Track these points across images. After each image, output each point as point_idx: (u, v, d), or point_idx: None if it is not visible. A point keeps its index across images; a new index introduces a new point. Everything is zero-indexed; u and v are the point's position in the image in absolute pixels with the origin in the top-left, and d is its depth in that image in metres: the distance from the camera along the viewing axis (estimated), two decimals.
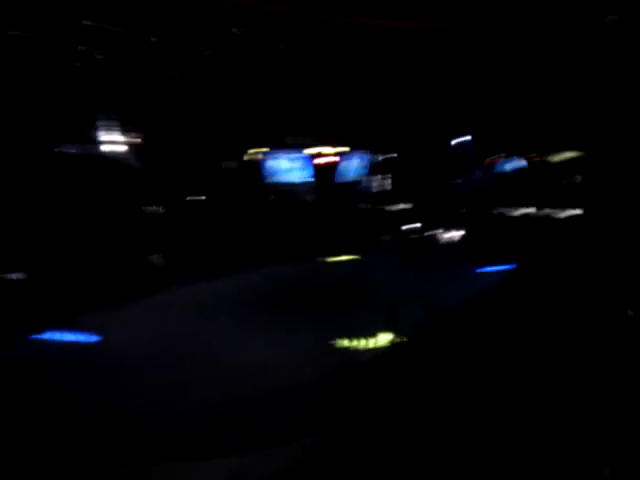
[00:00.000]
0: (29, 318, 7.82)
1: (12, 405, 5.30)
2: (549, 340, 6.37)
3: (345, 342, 7.50)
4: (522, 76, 14.15)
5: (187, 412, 5.58)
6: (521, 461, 4.23)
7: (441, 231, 14.57)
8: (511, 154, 18.13)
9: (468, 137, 18.11)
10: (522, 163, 17.96)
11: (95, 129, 13.44)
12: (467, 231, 14.42)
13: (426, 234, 14.74)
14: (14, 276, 9.19)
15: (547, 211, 15.78)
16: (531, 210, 15.85)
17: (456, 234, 14.42)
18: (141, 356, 7.09)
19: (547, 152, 17.47)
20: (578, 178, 16.12)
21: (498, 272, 10.38)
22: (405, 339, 6.90)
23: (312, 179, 15.87)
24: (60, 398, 5.54)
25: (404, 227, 15.04)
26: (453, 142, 18.07)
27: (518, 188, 16.64)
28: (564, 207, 15.42)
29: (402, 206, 16.21)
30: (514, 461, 4.22)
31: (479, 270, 11.01)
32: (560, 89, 13.98)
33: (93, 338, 7.76)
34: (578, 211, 15.08)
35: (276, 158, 15.96)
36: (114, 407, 5.71)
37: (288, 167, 15.92)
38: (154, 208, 13.07)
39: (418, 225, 15.00)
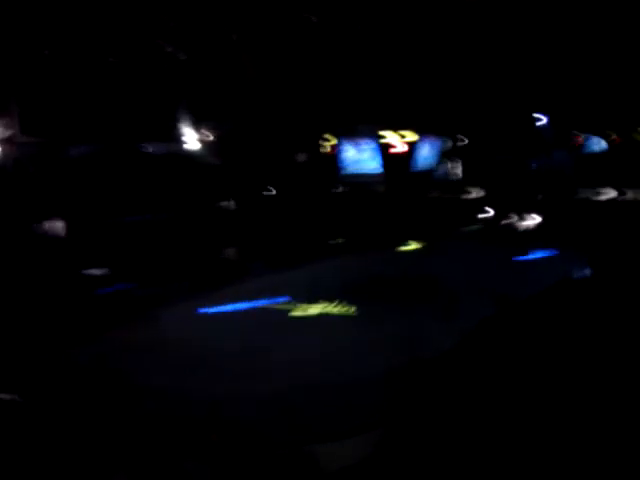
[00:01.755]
0: (111, 314, 8.25)
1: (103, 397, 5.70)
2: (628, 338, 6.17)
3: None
4: (598, 51, 13.38)
5: (263, 399, 5.82)
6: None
7: (516, 219, 14.15)
8: (588, 133, 17.17)
9: (544, 117, 17.35)
10: (601, 144, 17.01)
11: (172, 127, 13.99)
12: (544, 218, 13.91)
13: (500, 222, 14.37)
14: (97, 272, 9.70)
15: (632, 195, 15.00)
16: (613, 194, 15.10)
17: (532, 222, 13.96)
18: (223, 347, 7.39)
19: (629, 131, 16.46)
20: None
21: (574, 259, 10.08)
22: (474, 332, 6.88)
23: (382, 169, 15.74)
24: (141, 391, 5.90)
25: (478, 216, 14.72)
26: (528, 123, 17.37)
27: (599, 171, 15.82)
28: None
29: (475, 194, 15.82)
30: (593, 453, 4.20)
31: (552, 256, 10.69)
32: None
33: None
34: None
35: (346, 148, 15.95)
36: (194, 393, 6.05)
37: (358, 157, 15.87)
38: (228, 203, 13.46)
39: (491, 213, 14.64)
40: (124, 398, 5.65)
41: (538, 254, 11.21)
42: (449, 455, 4.50)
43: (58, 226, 11.35)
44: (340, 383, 6.04)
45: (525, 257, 11.24)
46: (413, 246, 12.50)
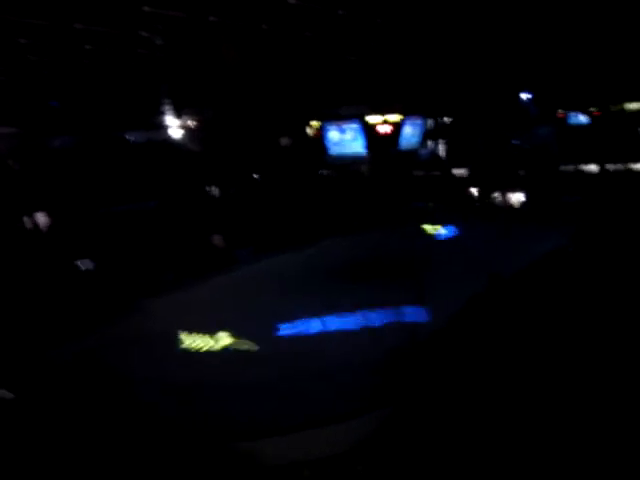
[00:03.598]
0: (99, 307, 8.19)
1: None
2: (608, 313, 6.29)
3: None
4: (579, 27, 13.42)
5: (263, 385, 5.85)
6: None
7: (500, 195, 14.25)
8: (570, 109, 17.33)
9: (528, 94, 17.44)
10: (583, 118, 17.18)
11: (155, 114, 13.83)
12: (528, 193, 14.03)
13: (485, 199, 14.48)
14: (83, 265, 9.58)
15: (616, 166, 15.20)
16: (595, 167, 15.28)
17: (516, 197, 14.07)
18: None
19: (610, 104, 16.61)
20: None
21: (558, 233, 10.20)
22: (463, 310, 6.97)
23: (367, 150, 15.74)
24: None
25: (463, 193, 14.82)
26: (511, 100, 17.44)
27: (583, 144, 15.98)
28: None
29: (459, 171, 15.91)
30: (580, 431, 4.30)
31: (538, 232, 10.79)
32: (622, 38, 13.21)
33: None
34: None
35: (331, 131, 15.92)
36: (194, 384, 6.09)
37: (343, 139, 15.86)
38: (213, 189, 13.36)
39: (476, 190, 14.74)
40: (113, 393, 5.67)
41: (520, 230, 11.31)
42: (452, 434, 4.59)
43: (40, 218, 11.22)
44: (331, 369, 6.05)
45: (508, 233, 11.33)
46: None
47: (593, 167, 15.56)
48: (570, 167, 15.79)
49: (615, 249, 8.27)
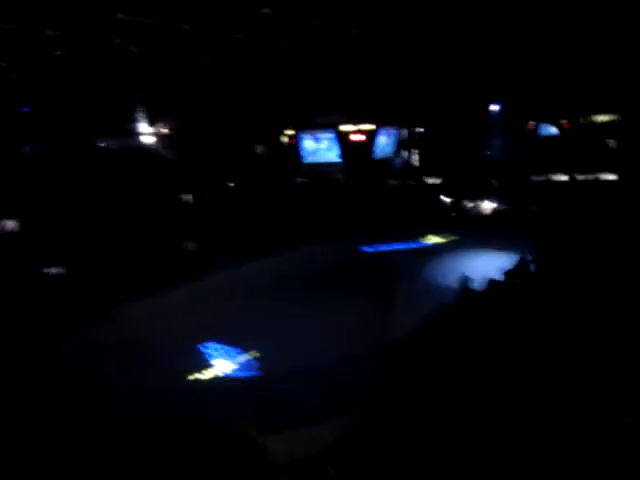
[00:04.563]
0: (71, 312, 8.09)
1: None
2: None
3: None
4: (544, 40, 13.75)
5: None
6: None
7: (472, 204, 14.46)
8: (540, 120, 17.69)
9: (497, 106, 17.76)
10: (553, 130, 17.55)
11: (129, 121, 13.73)
12: (500, 202, 14.25)
13: (458, 207, 14.66)
14: (54, 271, 9.43)
15: (584, 177, 15.53)
16: (564, 177, 15.60)
17: (488, 206, 14.28)
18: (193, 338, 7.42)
19: (580, 116, 17.00)
20: (613, 143, 15.76)
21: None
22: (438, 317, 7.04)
23: (341, 158, 15.83)
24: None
25: (435, 202, 14.99)
26: (482, 111, 17.75)
27: (552, 155, 16.32)
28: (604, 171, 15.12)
29: (432, 181, 16.11)
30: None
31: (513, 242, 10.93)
32: (591, 51, 13.57)
33: None
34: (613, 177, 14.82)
35: (305, 139, 15.98)
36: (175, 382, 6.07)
37: (317, 147, 15.93)
38: (187, 196, 13.29)
39: (449, 200, 14.93)
40: (84, 398, 5.61)
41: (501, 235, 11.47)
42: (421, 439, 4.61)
43: (13, 224, 11.05)
44: (313, 369, 6.21)
45: (482, 244, 11.48)
46: (434, 240, 12.35)
47: (563, 177, 15.90)
48: (541, 177, 16.12)
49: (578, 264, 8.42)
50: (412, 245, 12.07)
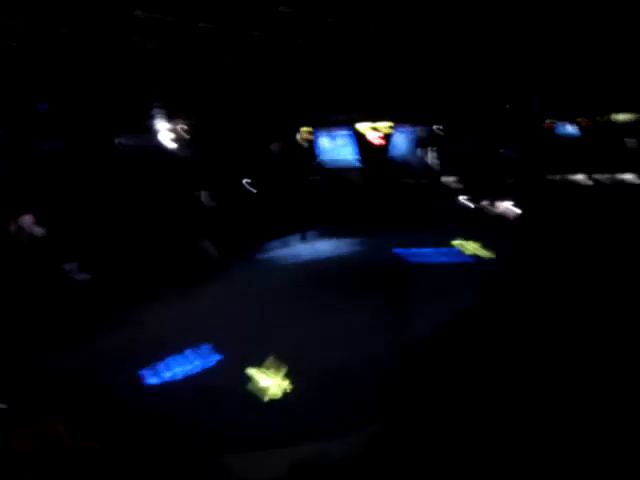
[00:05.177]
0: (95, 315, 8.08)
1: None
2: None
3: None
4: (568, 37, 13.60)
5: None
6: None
7: (490, 203, 14.31)
8: (559, 119, 17.51)
9: (512, 104, 17.64)
10: (571, 128, 17.36)
11: (146, 118, 13.71)
12: (517, 202, 14.08)
13: (475, 207, 14.52)
14: (81, 277, 9.44)
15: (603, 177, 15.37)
16: (582, 177, 15.43)
17: (506, 205, 14.12)
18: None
19: (598, 115, 16.80)
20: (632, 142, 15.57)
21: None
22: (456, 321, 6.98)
23: (358, 157, 15.74)
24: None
25: (453, 201, 14.87)
26: (500, 109, 17.60)
27: (571, 154, 16.14)
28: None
29: (449, 179, 15.97)
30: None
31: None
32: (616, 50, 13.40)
33: None
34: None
35: (322, 138, 15.92)
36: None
37: (334, 146, 15.85)
38: (203, 195, 13.24)
39: (466, 198, 14.79)
40: (100, 404, 5.60)
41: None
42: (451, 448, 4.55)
43: (30, 223, 11.06)
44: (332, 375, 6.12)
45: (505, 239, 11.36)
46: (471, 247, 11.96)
47: (580, 177, 15.73)
48: (557, 176, 15.96)
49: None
50: (445, 252, 11.54)
